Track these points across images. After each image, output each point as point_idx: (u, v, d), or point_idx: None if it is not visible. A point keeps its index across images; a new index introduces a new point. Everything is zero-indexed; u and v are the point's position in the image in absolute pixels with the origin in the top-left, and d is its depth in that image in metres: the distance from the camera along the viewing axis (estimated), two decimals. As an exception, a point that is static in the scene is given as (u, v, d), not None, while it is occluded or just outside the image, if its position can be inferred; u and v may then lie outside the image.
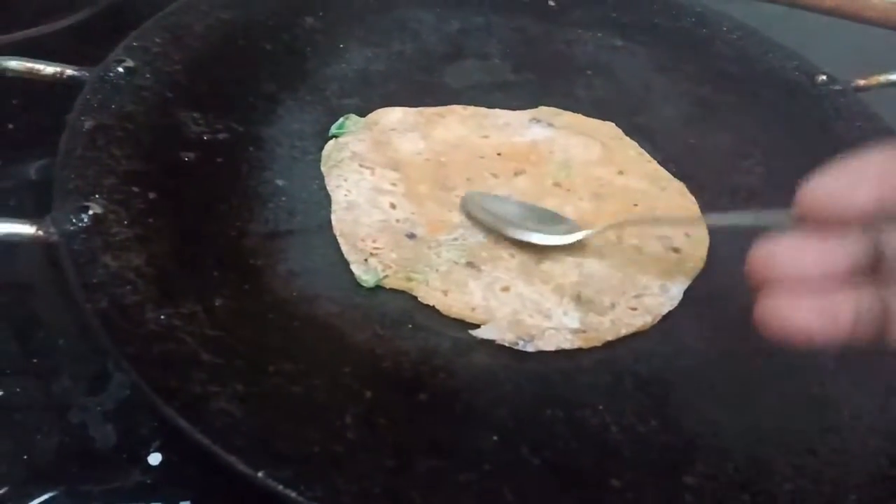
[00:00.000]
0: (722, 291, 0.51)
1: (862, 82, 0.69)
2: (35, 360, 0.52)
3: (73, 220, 0.44)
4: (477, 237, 0.52)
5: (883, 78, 0.68)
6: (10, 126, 0.65)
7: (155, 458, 0.46)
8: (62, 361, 0.52)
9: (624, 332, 0.47)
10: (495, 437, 0.40)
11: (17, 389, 0.50)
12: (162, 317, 0.41)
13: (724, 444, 0.42)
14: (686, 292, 0.51)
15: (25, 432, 0.48)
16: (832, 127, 0.66)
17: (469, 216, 0.53)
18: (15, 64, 0.53)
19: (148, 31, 0.58)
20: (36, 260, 0.55)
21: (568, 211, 0.55)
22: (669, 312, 0.50)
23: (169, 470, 0.46)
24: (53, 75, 0.54)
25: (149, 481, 0.46)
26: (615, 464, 0.40)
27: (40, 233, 0.43)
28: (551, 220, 0.53)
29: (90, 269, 0.42)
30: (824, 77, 0.69)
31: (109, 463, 0.47)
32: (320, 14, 0.67)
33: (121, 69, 0.54)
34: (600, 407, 0.42)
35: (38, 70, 0.54)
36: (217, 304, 0.43)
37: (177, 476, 0.45)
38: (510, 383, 0.43)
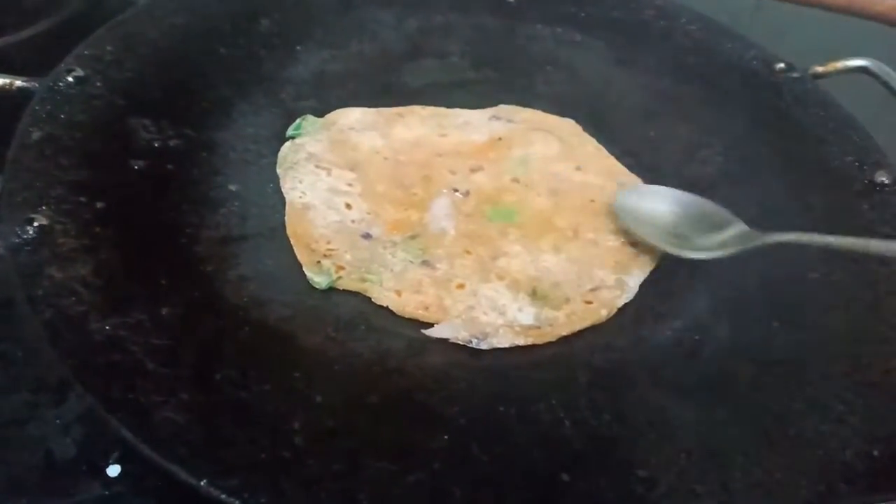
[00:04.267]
0: (678, 284, 0.51)
1: (820, 69, 0.69)
2: (-8, 374, 0.51)
3: (19, 232, 0.43)
4: (434, 235, 0.52)
5: (840, 64, 0.68)
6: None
7: (114, 470, 0.46)
8: (21, 373, 0.51)
9: (579, 326, 0.47)
10: (446, 437, 0.39)
11: (-26, 404, 0.50)
12: (107, 327, 0.40)
13: (677, 435, 0.42)
14: (642, 285, 0.51)
15: (-17, 447, 0.48)
16: (791, 115, 0.66)
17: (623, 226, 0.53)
18: (-38, 77, 0.53)
19: (99, 39, 0.58)
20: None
21: (525, 207, 0.55)
22: (625, 305, 0.50)
23: (128, 481, 0.46)
24: (2, 87, 0.54)
25: (108, 493, 0.45)
26: (567, 458, 0.40)
27: (-15, 246, 0.43)
28: (711, 222, 0.52)
29: (35, 281, 0.41)
30: (783, 65, 0.69)
31: (69, 475, 0.47)
32: (276, 16, 0.66)
33: (71, 78, 0.54)
34: (553, 402, 0.42)
35: (-13, 82, 0.54)
36: (164, 312, 0.42)
37: (136, 487, 0.45)
38: (463, 381, 0.43)
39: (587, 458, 0.40)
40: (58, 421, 0.49)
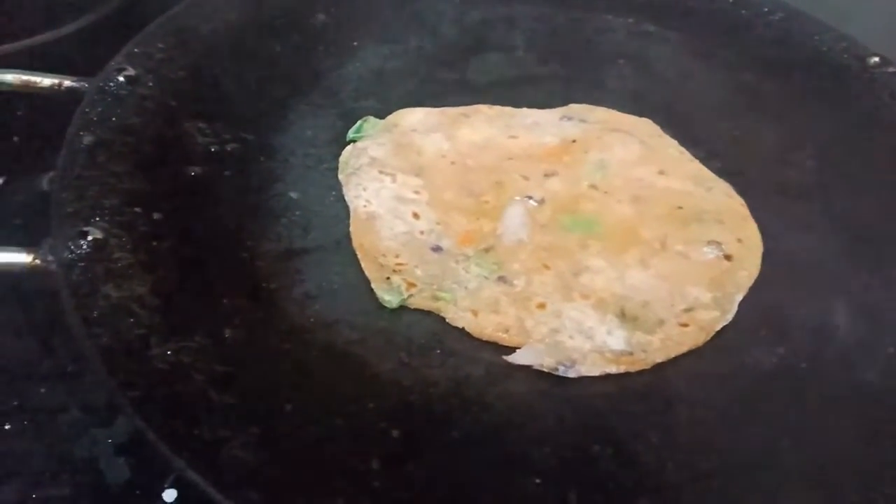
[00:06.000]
0: (781, 302, 0.46)
1: (919, 63, 0.64)
2: (43, 390, 0.49)
3: (72, 247, 0.40)
4: (509, 247, 0.48)
5: (944, 57, 0.62)
6: (16, 139, 0.63)
7: (170, 495, 0.43)
8: (71, 390, 0.49)
9: (675, 352, 0.43)
10: (538, 480, 0.36)
11: (25, 422, 0.47)
12: (168, 352, 0.37)
13: (793, 478, 0.37)
14: (741, 304, 0.46)
15: (32, 468, 0.45)
16: (888, 113, 0.60)
17: None
18: (11, 77, 0.50)
19: (150, 36, 0.55)
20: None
21: (606, 216, 0.51)
22: (724, 327, 0.45)
23: (186, 506, 0.43)
24: (51, 87, 0.51)
25: (164, 519, 0.43)
26: (674, 507, 0.36)
27: (37, 261, 0.40)
28: None
29: (90, 300, 0.38)
30: (877, 59, 0.64)
31: (121, 500, 0.45)
32: (332, 10, 0.63)
33: (121, 78, 0.51)
34: (653, 440, 0.38)
35: (35, 82, 0.51)
36: (227, 335, 0.39)
37: (195, 514, 0.42)
38: (551, 415, 0.39)
39: (697, 506, 0.36)
40: (109, 440, 0.47)
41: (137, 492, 0.44)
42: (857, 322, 0.45)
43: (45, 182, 0.59)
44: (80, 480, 0.45)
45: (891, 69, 0.63)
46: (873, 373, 0.43)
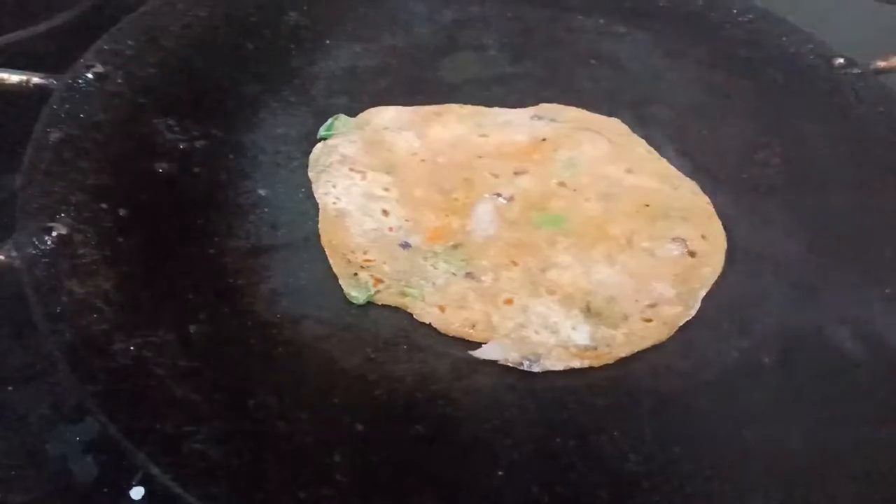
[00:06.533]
0: (743, 297, 0.47)
1: (882, 64, 0.65)
2: (10, 388, 0.49)
3: (37, 243, 0.40)
4: (477, 244, 0.48)
5: (906, 59, 0.64)
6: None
7: (137, 493, 0.43)
8: (39, 388, 0.48)
9: (639, 347, 0.44)
10: (501, 473, 0.36)
11: (-9, 421, 0.47)
12: (131, 348, 0.37)
13: (755, 471, 0.38)
14: (704, 300, 0.47)
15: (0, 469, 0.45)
16: (853, 112, 0.62)
17: None
18: (-22, 75, 0.50)
19: (119, 32, 0.55)
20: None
21: (575, 213, 0.51)
22: (687, 322, 0.46)
23: (153, 504, 0.43)
24: (19, 84, 0.51)
25: (131, 518, 0.43)
26: (635, 498, 0.36)
27: (1, 257, 0.40)
28: None
29: (54, 296, 0.38)
30: (842, 60, 0.65)
31: (90, 499, 0.44)
32: (305, 8, 0.63)
33: (90, 75, 0.51)
34: (616, 433, 0.39)
35: (3, 79, 0.51)
36: (192, 330, 0.39)
37: (161, 511, 0.42)
38: (516, 409, 0.40)
39: (657, 496, 0.36)
40: (78, 439, 0.47)
41: (105, 489, 0.44)
42: (818, 317, 0.46)
43: (17, 181, 0.59)
44: (48, 478, 0.45)
45: (855, 70, 0.64)
46: (834, 366, 0.44)
